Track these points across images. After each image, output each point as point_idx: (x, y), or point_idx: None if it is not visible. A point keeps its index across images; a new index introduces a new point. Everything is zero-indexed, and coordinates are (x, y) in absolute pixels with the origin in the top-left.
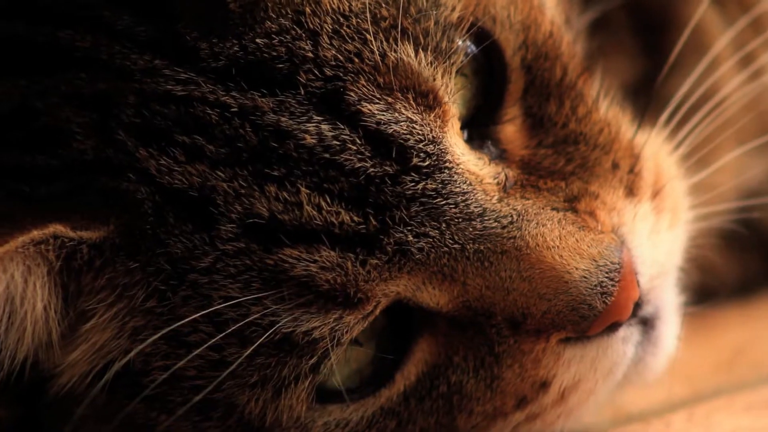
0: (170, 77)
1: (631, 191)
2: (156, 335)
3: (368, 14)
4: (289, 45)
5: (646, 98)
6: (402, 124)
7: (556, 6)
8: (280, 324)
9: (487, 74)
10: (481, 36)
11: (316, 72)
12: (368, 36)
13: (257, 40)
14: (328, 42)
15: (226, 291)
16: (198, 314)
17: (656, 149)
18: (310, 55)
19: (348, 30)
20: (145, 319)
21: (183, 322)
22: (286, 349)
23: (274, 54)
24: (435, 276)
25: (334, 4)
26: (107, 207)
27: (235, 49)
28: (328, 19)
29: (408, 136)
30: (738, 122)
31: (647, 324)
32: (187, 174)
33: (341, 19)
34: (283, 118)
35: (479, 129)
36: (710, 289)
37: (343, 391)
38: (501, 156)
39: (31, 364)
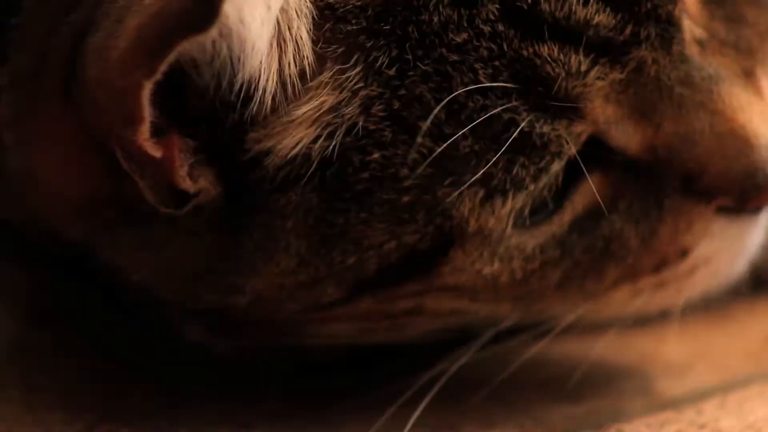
0: None
1: None
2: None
3: None
4: None
5: None
6: None
7: None
8: (517, 122)
9: None
10: None
11: None
12: None
13: None
14: None
15: (474, 74)
16: (436, 95)
17: None
18: None
19: None
20: (379, 89)
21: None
22: (517, 149)
23: None
24: (636, 112)
25: None
26: None
27: None
28: None
29: None
30: None
31: None
32: None
33: None
34: None
35: None
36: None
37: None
38: None
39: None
